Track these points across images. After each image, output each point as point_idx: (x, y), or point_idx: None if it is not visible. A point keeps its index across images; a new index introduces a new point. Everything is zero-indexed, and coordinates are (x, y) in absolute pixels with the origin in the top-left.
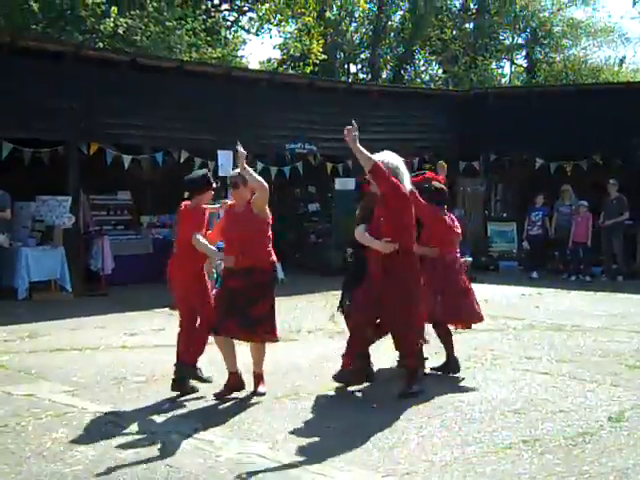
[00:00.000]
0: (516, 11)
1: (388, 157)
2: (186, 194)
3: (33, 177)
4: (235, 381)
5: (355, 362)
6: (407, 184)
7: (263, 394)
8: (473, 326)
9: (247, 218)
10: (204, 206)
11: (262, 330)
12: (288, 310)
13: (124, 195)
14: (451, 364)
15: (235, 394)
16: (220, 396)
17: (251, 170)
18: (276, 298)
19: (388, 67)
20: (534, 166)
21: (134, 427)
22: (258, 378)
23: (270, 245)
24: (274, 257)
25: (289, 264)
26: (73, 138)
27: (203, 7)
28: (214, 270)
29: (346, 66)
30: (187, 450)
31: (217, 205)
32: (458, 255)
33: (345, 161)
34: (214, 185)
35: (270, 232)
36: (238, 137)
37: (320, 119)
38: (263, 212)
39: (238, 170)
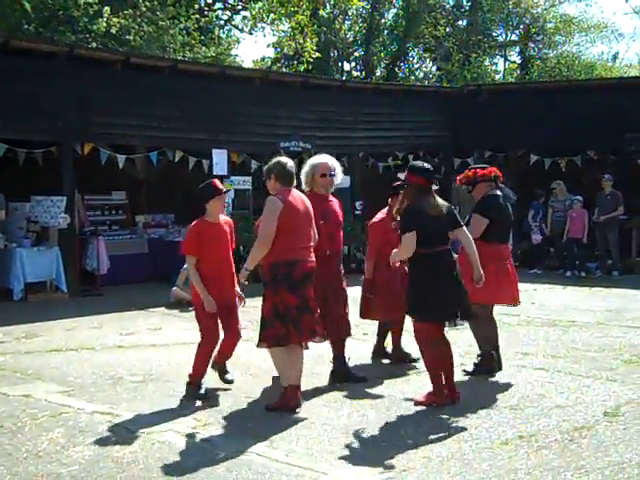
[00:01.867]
0: (509, 8)
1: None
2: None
3: (27, 178)
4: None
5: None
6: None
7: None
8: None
9: None
10: (208, 220)
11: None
12: None
13: (119, 195)
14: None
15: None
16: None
17: None
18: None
19: (382, 65)
20: (528, 162)
21: (131, 427)
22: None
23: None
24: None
25: None
26: (67, 138)
27: (196, 6)
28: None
29: (340, 64)
30: (185, 449)
31: None
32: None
33: (341, 159)
34: (218, 190)
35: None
36: (232, 136)
37: (314, 117)
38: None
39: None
